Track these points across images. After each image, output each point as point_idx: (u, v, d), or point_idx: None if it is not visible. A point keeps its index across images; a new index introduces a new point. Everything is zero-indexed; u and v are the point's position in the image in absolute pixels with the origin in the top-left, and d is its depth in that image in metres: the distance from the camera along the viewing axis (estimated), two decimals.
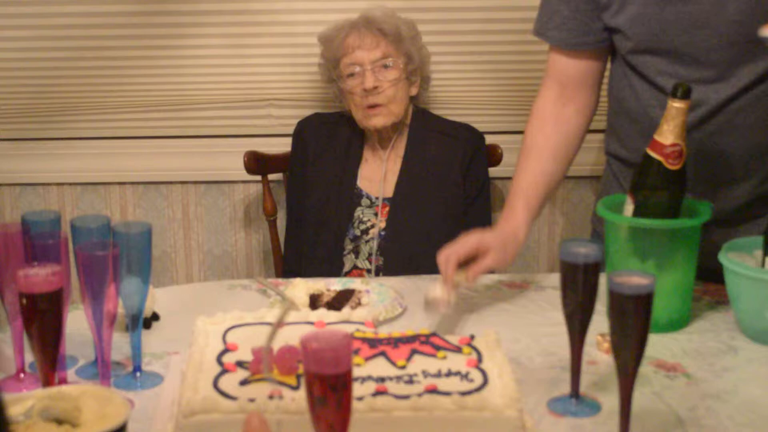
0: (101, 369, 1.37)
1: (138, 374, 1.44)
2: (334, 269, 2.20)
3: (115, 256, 1.32)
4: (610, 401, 1.34)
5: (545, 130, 1.85)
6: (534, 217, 1.81)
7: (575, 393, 1.36)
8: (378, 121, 2.22)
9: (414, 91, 2.30)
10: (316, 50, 2.36)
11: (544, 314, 1.71)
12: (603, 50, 1.84)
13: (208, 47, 2.56)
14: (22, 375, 1.42)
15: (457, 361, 1.36)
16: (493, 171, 2.40)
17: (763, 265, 1.58)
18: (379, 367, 1.34)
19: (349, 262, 2.24)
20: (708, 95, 1.69)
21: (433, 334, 1.45)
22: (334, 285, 1.82)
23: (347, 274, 2.21)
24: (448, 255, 1.64)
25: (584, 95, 1.88)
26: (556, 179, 1.86)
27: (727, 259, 1.59)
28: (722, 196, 1.76)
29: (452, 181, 2.26)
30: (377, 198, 2.27)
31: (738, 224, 1.79)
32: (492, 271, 2.31)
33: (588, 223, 2.66)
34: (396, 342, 1.41)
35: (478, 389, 1.27)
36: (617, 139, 1.92)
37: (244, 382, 1.30)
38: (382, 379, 1.30)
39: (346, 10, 2.41)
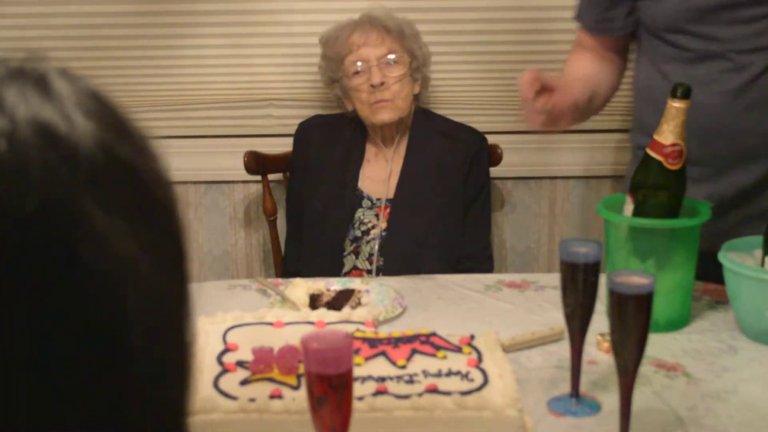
0: None
1: None
2: (333, 270, 2.20)
3: None
4: (610, 401, 1.34)
5: (584, 63, 1.96)
6: (580, 105, 1.83)
7: (575, 393, 1.36)
8: (385, 114, 2.22)
9: (417, 89, 2.30)
10: (316, 50, 2.36)
11: (544, 314, 1.71)
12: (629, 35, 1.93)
13: (208, 47, 2.56)
14: None
15: (458, 361, 1.36)
16: (493, 171, 2.40)
17: (763, 264, 1.59)
18: (380, 366, 1.34)
19: (349, 262, 2.24)
20: (752, 60, 1.72)
21: (433, 334, 1.45)
22: (334, 285, 1.82)
23: (347, 274, 2.21)
24: (532, 78, 1.67)
25: (615, 57, 1.98)
26: (600, 97, 1.92)
27: (727, 259, 1.59)
28: (746, 168, 1.79)
29: (453, 182, 2.26)
30: (379, 199, 2.27)
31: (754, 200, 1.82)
32: (492, 271, 2.31)
33: (587, 224, 2.66)
34: (396, 342, 1.41)
35: (479, 389, 1.27)
36: (645, 133, 1.92)
37: (244, 382, 1.30)
38: (382, 379, 1.30)
39: (346, 10, 2.41)
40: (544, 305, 1.76)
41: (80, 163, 0.49)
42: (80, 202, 0.48)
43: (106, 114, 0.53)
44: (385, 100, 2.21)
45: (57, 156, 0.48)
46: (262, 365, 1.31)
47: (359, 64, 2.22)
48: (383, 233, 2.23)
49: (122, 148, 0.52)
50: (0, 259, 0.46)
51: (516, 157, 2.55)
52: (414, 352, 1.39)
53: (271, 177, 2.52)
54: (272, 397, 1.25)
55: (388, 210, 2.25)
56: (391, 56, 2.21)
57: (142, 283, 0.51)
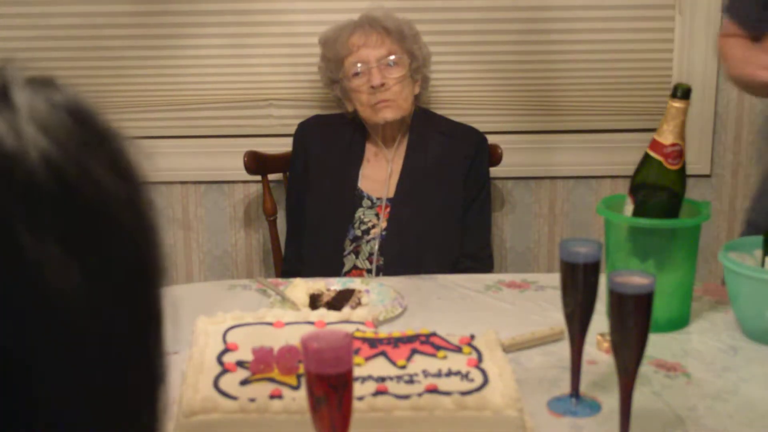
0: None
1: None
2: (334, 269, 2.20)
3: None
4: (610, 401, 1.34)
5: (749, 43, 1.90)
6: None
7: (575, 393, 1.36)
8: (388, 113, 2.22)
9: (417, 89, 2.30)
10: (316, 50, 2.36)
11: (544, 314, 1.71)
12: None
13: (208, 47, 2.56)
14: None
15: (458, 361, 1.36)
16: (493, 171, 2.40)
17: (763, 265, 1.59)
18: (380, 366, 1.34)
19: (349, 262, 2.24)
20: None
21: (433, 334, 1.45)
22: (334, 285, 1.82)
23: (347, 274, 2.21)
24: None
25: None
26: None
27: (727, 259, 1.59)
28: None
29: (453, 181, 2.26)
30: (379, 199, 2.27)
31: None
32: (492, 270, 2.31)
33: (587, 224, 2.66)
34: (396, 342, 1.41)
35: (479, 389, 1.27)
36: None
37: (244, 382, 1.30)
38: (382, 379, 1.30)
39: (346, 10, 2.41)
40: (544, 305, 1.75)
41: (16, 182, 0.45)
42: (10, 223, 0.44)
43: (73, 129, 0.49)
44: (386, 100, 2.21)
45: None
46: (262, 365, 1.31)
47: (359, 65, 2.22)
48: (383, 233, 2.23)
49: (81, 167, 0.47)
50: None
51: (516, 157, 2.55)
52: (414, 352, 1.39)
53: (271, 177, 2.52)
54: (272, 397, 1.25)
55: (388, 209, 2.25)
56: (391, 57, 2.21)
57: (82, 318, 0.46)
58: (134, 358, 0.52)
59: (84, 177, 0.47)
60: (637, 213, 1.60)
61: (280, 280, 1.96)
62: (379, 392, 1.25)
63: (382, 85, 2.19)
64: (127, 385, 0.51)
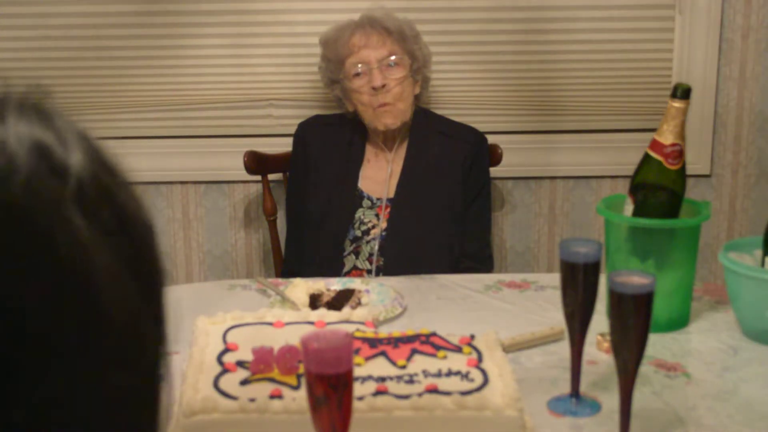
0: None
1: None
2: (334, 270, 2.20)
3: None
4: (610, 401, 1.34)
5: None
6: None
7: (575, 393, 1.36)
8: (389, 119, 2.22)
9: (417, 90, 2.30)
10: (317, 50, 2.36)
11: (544, 314, 1.71)
12: None
13: (208, 47, 2.56)
14: None
15: (458, 361, 1.36)
16: (493, 171, 2.40)
17: (763, 264, 1.59)
18: (380, 366, 1.34)
19: (349, 262, 2.24)
20: None
21: (433, 334, 1.45)
22: (334, 285, 1.82)
23: (347, 274, 2.21)
24: None
25: None
26: None
27: (727, 258, 1.59)
28: None
29: (453, 181, 2.26)
30: (379, 199, 2.27)
31: None
32: (492, 270, 2.31)
33: (587, 224, 2.67)
34: (396, 342, 1.41)
35: (479, 389, 1.27)
36: None
37: (244, 382, 1.30)
38: (382, 379, 1.30)
39: (346, 10, 2.41)
40: (544, 305, 1.75)
41: (69, 178, 0.52)
42: (66, 207, 0.51)
43: (94, 150, 0.57)
44: (387, 104, 2.20)
45: (48, 167, 0.52)
46: (262, 365, 1.31)
47: (360, 66, 2.21)
48: (383, 233, 2.23)
49: (107, 180, 0.56)
50: None
51: (516, 157, 2.55)
52: (414, 352, 1.39)
53: (271, 177, 2.52)
54: (272, 397, 1.25)
55: (388, 210, 2.25)
56: (392, 58, 2.21)
57: (120, 293, 0.53)
58: (153, 347, 0.59)
59: (110, 183, 0.56)
60: (637, 213, 1.60)
61: (280, 280, 1.96)
62: (379, 392, 1.25)
63: (383, 86, 2.19)
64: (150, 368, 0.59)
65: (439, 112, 2.44)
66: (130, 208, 0.58)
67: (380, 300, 1.76)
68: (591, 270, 1.32)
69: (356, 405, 1.11)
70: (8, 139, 0.52)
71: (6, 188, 0.50)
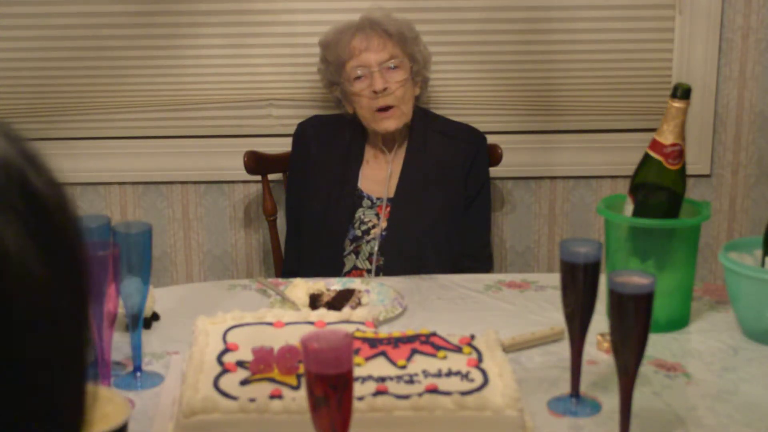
0: (101, 369, 1.38)
1: (138, 374, 1.44)
2: (334, 269, 2.20)
3: (115, 256, 1.33)
4: (610, 401, 1.34)
5: None
6: None
7: (575, 393, 1.36)
8: (390, 124, 2.22)
9: (417, 91, 2.30)
10: (316, 50, 2.36)
11: (544, 314, 1.71)
12: None
13: (208, 47, 2.56)
14: None
15: (458, 361, 1.36)
16: (493, 171, 2.40)
17: (763, 265, 1.59)
18: (380, 366, 1.34)
19: (349, 262, 2.23)
20: None
21: (433, 334, 1.45)
22: (334, 285, 1.82)
23: (347, 274, 2.21)
24: None
25: None
26: None
27: (727, 259, 1.59)
28: None
29: (453, 181, 2.26)
30: (379, 199, 2.27)
31: None
32: (492, 270, 2.31)
33: (587, 224, 2.67)
34: (396, 342, 1.41)
35: (479, 389, 1.27)
36: None
37: (244, 382, 1.30)
38: (382, 379, 1.30)
39: (346, 10, 2.41)
40: (544, 305, 1.76)
41: None
42: None
43: (11, 143, 0.58)
44: (389, 107, 2.20)
45: None
46: (262, 365, 1.31)
47: (360, 69, 2.21)
48: (383, 233, 2.23)
49: (24, 171, 0.56)
50: None
51: (516, 157, 2.55)
52: (414, 352, 1.39)
53: (271, 177, 2.52)
54: (272, 397, 1.25)
55: (388, 209, 2.25)
56: (393, 61, 2.21)
57: (29, 282, 0.54)
58: (75, 338, 0.60)
59: (27, 179, 0.56)
60: (637, 213, 1.60)
61: (280, 280, 1.96)
62: (379, 392, 1.25)
63: (385, 89, 2.19)
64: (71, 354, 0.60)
65: (439, 112, 2.44)
66: (49, 201, 0.57)
67: (380, 300, 1.76)
68: (591, 270, 1.32)
69: (356, 405, 1.11)
70: None
71: None
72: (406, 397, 1.24)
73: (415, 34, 2.28)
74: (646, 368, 1.46)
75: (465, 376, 1.31)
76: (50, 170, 0.60)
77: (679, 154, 1.57)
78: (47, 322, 0.56)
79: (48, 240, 0.56)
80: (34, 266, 0.54)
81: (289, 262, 2.36)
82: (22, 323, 0.54)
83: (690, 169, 1.71)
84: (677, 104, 1.55)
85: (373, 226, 2.24)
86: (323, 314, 1.54)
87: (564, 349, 1.40)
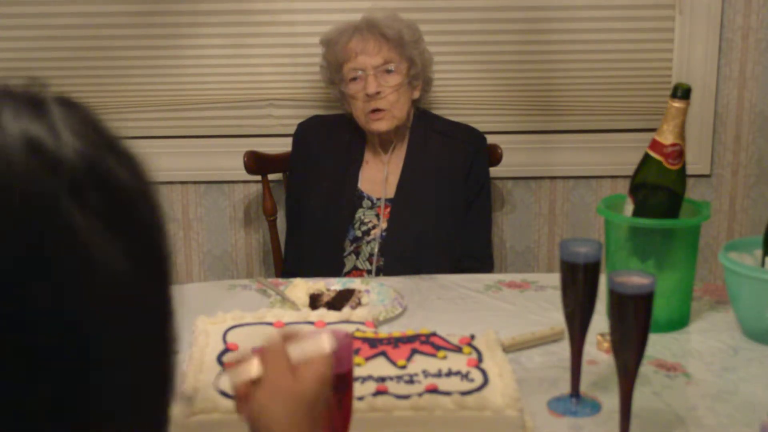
0: None
1: None
2: (334, 270, 2.20)
3: None
4: (610, 401, 1.34)
5: None
6: None
7: (575, 393, 1.36)
8: (381, 125, 2.22)
9: (416, 94, 2.29)
10: (317, 50, 2.36)
11: (544, 314, 1.71)
12: None
13: (208, 47, 2.56)
14: None
15: (458, 361, 1.36)
16: (493, 171, 2.40)
17: (763, 265, 1.59)
18: (380, 366, 1.34)
19: (349, 262, 2.23)
20: None
21: (433, 334, 1.45)
22: (334, 285, 1.82)
23: (347, 274, 2.21)
24: None
25: None
26: None
27: (727, 259, 1.59)
28: None
29: (453, 182, 2.26)
30: (379, 200, 2.26)
31: None
32: (492, 270, 2.31)
33: (587, 224, 2.67)
34: (396, 342, 1.41)
35: (479, 389, 1.27)
36: None
37: None
38: (382, 379, 1.30)
39: (347, 10, 2.41)
40: (544, 305, 1.76)
41: (63, 172, 0.54)
42: (58, 201, 0.53)
43: (94, 134, 0.58)
44: (380, 110, 2.20)
45: (40, 162, 0.54)
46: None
47: (356, 71, 2.21)
48: (383, 233, 2.23)
49: (106, 163, 0.57)
50: None
51: (516, 157, 2.55)
52: (414, 352, 1.39)
53: (271, 177, 2.52)
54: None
55: (388, 210, 2.25)
56: (388, 65, 2.20)
57: (115, 283, 0.55)
58: (161, 324, 0.61)
59: (108, 169, 0.57)
60: (637, 213, 1.60)
61: (280, 280, 1.96)
62: (379, 392, 1.25)
63: (378, 93, 2.19)
64: (158, 348, 0.61)
65: (439, 112, 2.44)
66: (131, 191, 0.59)
67: (380, 300, 1.76)
68: (591, 270, 1.32)
69: (356, 405, 1.11)
70: (4, 139, 0.54)
71: (4, 191, 0.52)
72: (406, 397, 1.24)
73: (416, 37, 2.27)
74: (646, 368, 1.46)
75: (465, 376, 1.31)
76: (133, 160, 0.60)
77: (679, 154, 1.57)
78: (132, 316, 0.57)
79: (130, 232, 0.57)
80: (117, 261, 0.55)
81: (289, 263, 2.36)
82: (105, 317, 0.55)
83: (690, 169, 1.71)
84: (677, 104, 1.55)
85: (373, 227, 2.24)
86: (323, 314, 1.54)
87: (564, 349, 1.40)
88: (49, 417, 0.53)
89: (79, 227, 0.53)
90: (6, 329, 0.51)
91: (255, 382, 0.88)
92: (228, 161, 2.58)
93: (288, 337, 0.93)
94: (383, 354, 1.38)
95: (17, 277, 0.51)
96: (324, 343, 0.91)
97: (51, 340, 0.52)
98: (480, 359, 1.37)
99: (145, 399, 0.59)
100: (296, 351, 0.90)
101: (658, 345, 1.54)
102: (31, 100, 0.59)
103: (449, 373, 1.32)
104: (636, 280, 1.20)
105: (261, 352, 0.89)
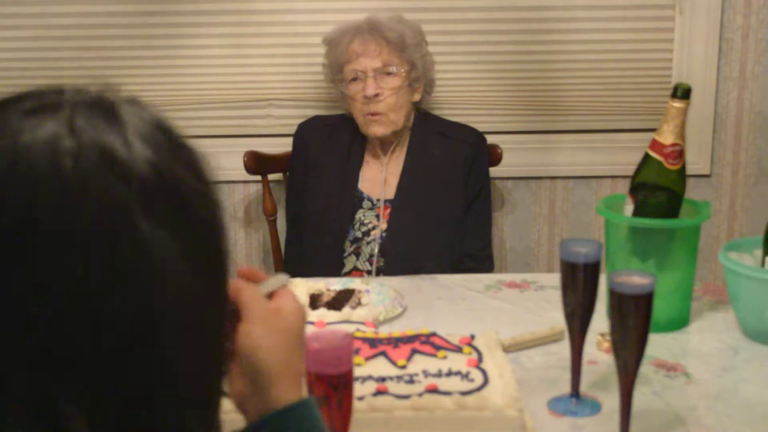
0: None
1: None
2: (334, 271, 2.20)
3: None
4: (610, 401, 1.34)
5: None
6: None
7: (575, 393, 1.36)
8: (377, 129, 2.22)
9: (417, 97, 2.29)
10: (317, 50, 2.36)
11: (544, 314, 1.71)
12: None
13: (208, 47, 2.56)
14: None
15: (458, 361, 1.36)
16: (493, 171, 2.40)
17: (763, 265, 1.59)
18: (380, 366, 1.34)
19: (349, 263, 2.23)
20: None
21: (433, 334, 1.45)
22: (334, 285, 1.82)
23: (347, 275, 2.21)
24: None
25: None
26: None
27: (727, 259, 1.59)
28: None
29: (453, 182, 2.26)
30: (378, 200, 2.26)
31: None
32: (492, 270, 2.31)
33: (587, 224, 2.67)
34: (396, 342, 1.41)
35: (479, 389, 1.27)
36: None
37: None
38: (382, 379, 1.30)
39: (347, 10, 2.41)
40: (544, 305, 1.76)
41: (133, 182, 0.58)
42: (131, 214, 0.57)
43: (162, 139, 0.62)
44: (378, 113, 2.20)
45: (114, 175, 0.57)
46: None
47: (356, 72, 2.21)
48: (383, 234, 2.23)
49: (172, 170, 0.61)
50: (54, 254, 0.55)
51: (516, 157, 2.55)
52: (414, 352, 1.39)
53: (271, 177, 2.52)
54: None
55: (388, 211, 2.25)
56: (388, 68, 2.20)
57: (178, 287, 0.60)
58: (215, 329, 0.66)
59: (174, 176, 0.61)
60: (637, 213, 1.60)
61: None
62: (379, 392, 1.25)
63: (376, 95, 2.19)
64: (215, 352, 0.67)
65: (439, 112, 2.44)
66: (194, 195, 0.62)
67: (380, 300, 1.76)
68: (591, 270, 1.32)
69: (356, 405, 1.11)
70: (81, 148, 0.57)
71: (80, 210, 0.56)
72: (406, 397, 1.24)
73: (418, 39, 2.26)
74: (646, 368, 1.46)
75: (465, 376, 1.31)
76: (198, 161, 0.64)
77: (679, 154, 1.57)
78: (189, 318, 0.61)
79: (192, 235, 0.61)
80: (179, 263, 0.59)
81: (290, 263, 2.36)
82: (172, 317, 0.59)
83: (690, 169, 1.71)
84: (677, 104, 1.55)
85: (373, 228, 2.24)
86: (323, 314, 1.54)
87: (564, 349, 1.40)
88: (142, 404, 0.59)
89: (148, 238, 0.57)
90: (87, 333, 0.56)
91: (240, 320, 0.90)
92: (228, 161, 2.58)
93: (250, 279, 0.97)
94: (383, 354, 1.38)
95: (93, 289, 0.55)
96: (282, 278, 0.96)
97: (125, 341, 0.57)
98: (480, 359, 1.37)
99: (206, 383, 0.65)
100: (264, 289, 0.95)
101: (658, 345, 1.54)
102: (103, 106, 0.62)
103: (449, 373, 1.32)
104: (636, 280, 1.20)
105: (238, 293, 0.91)
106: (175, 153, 0.62)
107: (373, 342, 1.41)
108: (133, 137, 0.59)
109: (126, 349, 0.57)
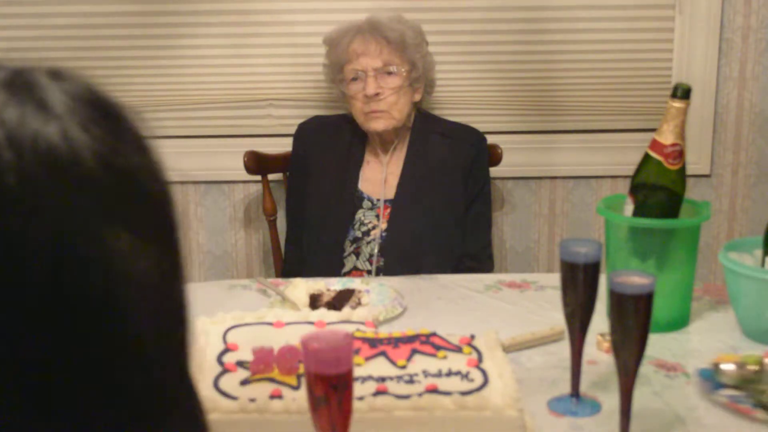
0: None
1: None
2: (334, 270, 2.20)
3: None
4: (610, 401, 1.34)
5: None
6: None
7: (575, 393, 1.36)
8: (378, 124, 2.22)
9: (417, 97, 2.29)
10: (317, 50, 2.36)
11: (544, 314, 1.71)
12: None
13: (208, 47, 2.56)
14: None
15: (458, 361, 1.36)
16: (493, 171, 2.40)
17: (763, 265, 1.59)
18: (380, 366, 1.34)
19: (349, 263, 2.23)
20: None
21: (433, 334, 1.45)
22: (334, 285, 1.82)
23: (347, 275, 2.21)
24: None
25: None
26: None
27: (727, 259, 1.59)
28: None
29: (454, 182, 2.26)
30: (378, 200, 2.26)
31: None
32: (492, 270, 2.31)
33: (587, 224, 2.67)
34: (396, 342, 1.41)
35: (479, 389, 1.27)
36: None
37: (244, 382, 1.30)
38: (382, 379, 1.30)
39: (347, 10, 2.41)
40: (544, 305, 1.76)
41: (84, 185, 0.51)
42: (89, 224, 0.51)
43: (99, 118, 0.53)
44: (379, 111, 2.20)
45: (64, 185, 0.50)
46: (262, 365, 1.31)
47: (356, 72, 2.21)
48: (383, 234, 2.23)
49: (117, 153, 0.53)
50: (14, 284, 0.49)
51: (516, 157, 2.55)
52: (414, 352, 1.39)
53: (271, 177, 2.52)
54: (272, 397, 1.25)
55: (388, 210, 2.25)
56: (389, 68, 2.20)
57: (148, 295, 0.54)
58: (174, 298, 0.60)
59: (121, 161, 0.54)
60: (637, 213, 1.60)
61: (280, 280, 1.96)
62: (379, 392, 1.25)
63: (377, 94, 2.19)
64: (179, 328, 0.60)
65: (439, 112, 2.44)
66: (144, 176, 0.57)
67: (380, 300, 1.76)
68: (591, 270, 1.32)
69: (356, 405, 1.11)
70: (22, 158, 0.50)
71: (35, 231, 0.49)
72: (406, 397, 1.24)
73: (418, 40, 2.26)
74: (646, 368, 1.46)
75: (465, 376, 1.31)
76: (144, 138, 0.58)
77: (679, 154, 1.57)
78: (161, 314, 0.56)
79: (153, 236, 0.56)
80: (142, 265, 0.54)
81: (289, 263, 2.36)
82: (140, 319, 0.54)
83: (690, 169, 1.71)
84: (677, 104, 1.55)
85: (373, 228, 2.24)
86: (323, 314, 1.54)
87: (564, 349, 1.40)
88: (125, 406, 0.54)
89: (112, 247, 0.52)
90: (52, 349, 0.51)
91: None
92: (228, 161, 2.58)
93: None
94: (383, 354, 1.38)
95: (52, 304, 0.50)
96: None
97: (100, 350, 0.53)
98: (480, 359, 1.37)
99: (178, 384, 0.60)
100: None
101: (658, 345, 1.54)
102: (27, 87, 0.54)
103: (449, 373, 1.32)
104: (636, 280, 1.20)
105: None
106: (115, 132, 0.54)
107: (373, 342, 1.41)
108: (69, 125, 0.51)
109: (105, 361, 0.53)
